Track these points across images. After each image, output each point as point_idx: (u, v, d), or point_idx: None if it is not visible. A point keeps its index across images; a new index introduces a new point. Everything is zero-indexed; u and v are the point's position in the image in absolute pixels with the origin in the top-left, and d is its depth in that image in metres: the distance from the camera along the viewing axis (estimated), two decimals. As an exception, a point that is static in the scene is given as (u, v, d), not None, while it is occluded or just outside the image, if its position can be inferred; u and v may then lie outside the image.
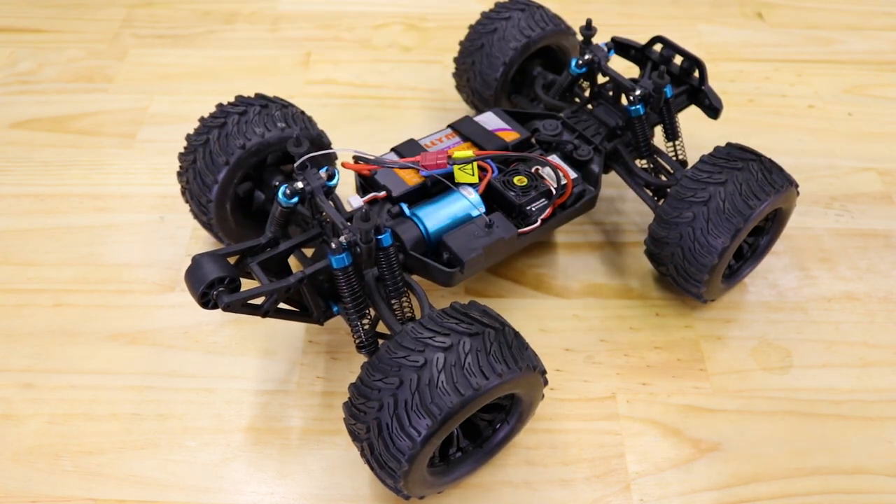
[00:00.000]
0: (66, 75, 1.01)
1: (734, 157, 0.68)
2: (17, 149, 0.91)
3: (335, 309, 0.64)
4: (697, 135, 0.90)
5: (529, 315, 0.75)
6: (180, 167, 0.70)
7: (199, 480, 0.63)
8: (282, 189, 0.59)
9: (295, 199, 0.59)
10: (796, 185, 0.68)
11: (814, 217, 0.85)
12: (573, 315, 0.75)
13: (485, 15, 0.85)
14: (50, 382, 0.69)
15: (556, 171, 0.68)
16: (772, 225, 0.73)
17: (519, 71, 0.85)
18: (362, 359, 0.69)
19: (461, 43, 0.86)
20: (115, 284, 0.77)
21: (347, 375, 0.69)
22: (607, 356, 0.72)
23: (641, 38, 0.80)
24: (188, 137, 0.70)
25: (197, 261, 0.57)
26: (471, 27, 0.86)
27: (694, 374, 0.71)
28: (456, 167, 0.65)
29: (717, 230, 0.65)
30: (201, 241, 0.80)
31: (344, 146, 0.90)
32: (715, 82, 1.02)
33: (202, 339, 0.72)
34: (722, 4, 1.17)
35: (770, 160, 0.68)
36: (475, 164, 0.66)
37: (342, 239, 0.56)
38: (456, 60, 0.88)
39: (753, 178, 0.66)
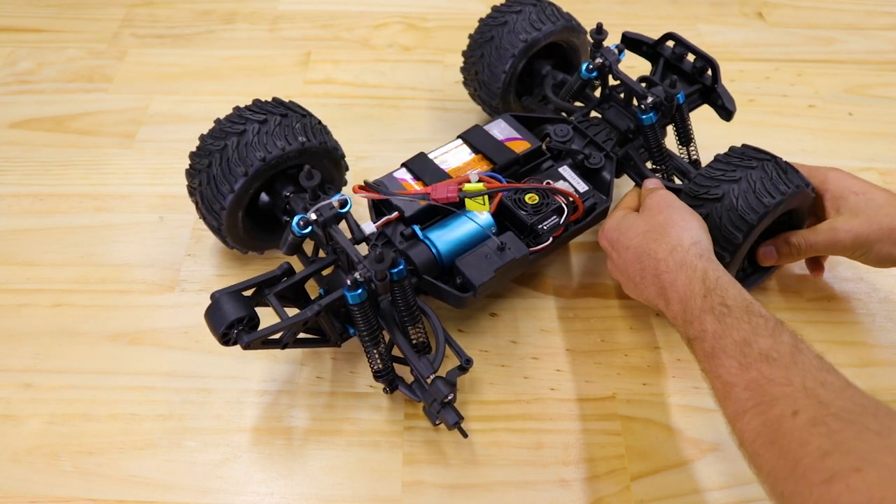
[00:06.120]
0: (65, 75, 1.01)
1: (749, 157, 0.67)
2: (17, 149, 0.91)
3: (351, 331, 0.65)
4: (698, 133, 0.90)
5: (529, 315, 0.75)
6: (191, 167, 0.70)
7: (199, 481, 0.63)
8: (295, 220, 0.60)
9: (308, 229, 0.61)
10: (812, 187, 0.68)
11: (814, 217, 0.85)
12: (573, 315, 0.75)
13: (495, 8, 0.85)
14: (49, 382, 0.69)
15: (566, 198, 0.68)
16: (788, 229, 0.72)
17: (528, 70, 0.84)
18: (362, 359, 0.69)
19: (471, 36, 0.86)
20: (115, 284, 0.76)
21: (348, 375, 0.69)
22: (607, 356, 0.72)
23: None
24: (202, 138, 0.69)
25: (216, 300, 0.58)
26: (481, 20, 0.85)
27: (694, 374, 0.71)
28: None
29: (730, 227, 0.64)
30: (201, 241, 0.80)
31: (344, 146, 0.89)
32: (715, 82, 1.02)
33: (202, 339, 0.72)
34: (722, 4, 1.17)
35: (786, 162, 0.67)
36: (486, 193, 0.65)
37: (357, 276, 0.57)
38: (464, 53, 0.87)
39: (768, 176, 0.65)
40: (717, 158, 0.69)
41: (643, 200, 0.67)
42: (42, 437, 0.65)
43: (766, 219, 0.65)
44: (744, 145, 0.70)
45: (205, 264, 0.78)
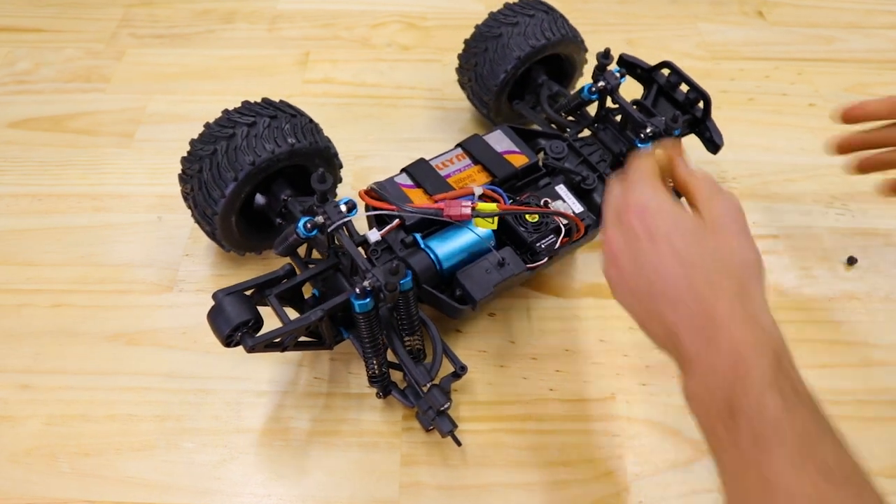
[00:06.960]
0: (63, 75, 1.01)
1: None
2: (15, 148, 0.91)
3: (345, 334, 0.65)
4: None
5: (529, 315, 0.75)
6: (183, 172, 0.70)
7: (196, 482, 0.63)
8: (302, 222, 0.60)
9: (314, 232, 0.60)
10: None
11: (814, 216, 0.85)
12: (573, 315, 0.75)
13: (508, 6, 0.84)
14: (47, 383, 0.69)
15: (569, 221, 0.68)
16: None
17: (524, 74, 0.84)
18: (359, 360, 0.68)
19: (477, 26, 0.85)
20: (114, 284, 0.76)
21: (347, 376, 0.69)
22: (607, 356, 0.72)
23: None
24: (192, 143, 0.69)
25: (220, 301, 0.58)
26: (491, 14, 0.85)
27: (694, 374, 0.70)
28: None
29: None
30: (200, 241, 0.80)
31: (343, 146, 0.89)
32: (715, 81, 1.02)
33: (201, 339, 0.72)
34: (722, 3, 1.17)
35: None
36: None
37: (366, 284, 0.56)
38: (467, 42, 0.86)
39: None
40: None
41: (698, 195, 0.52)
42: (40, 438, 0.65)
43: None
44: None
45: (203, 264, 0.78)
